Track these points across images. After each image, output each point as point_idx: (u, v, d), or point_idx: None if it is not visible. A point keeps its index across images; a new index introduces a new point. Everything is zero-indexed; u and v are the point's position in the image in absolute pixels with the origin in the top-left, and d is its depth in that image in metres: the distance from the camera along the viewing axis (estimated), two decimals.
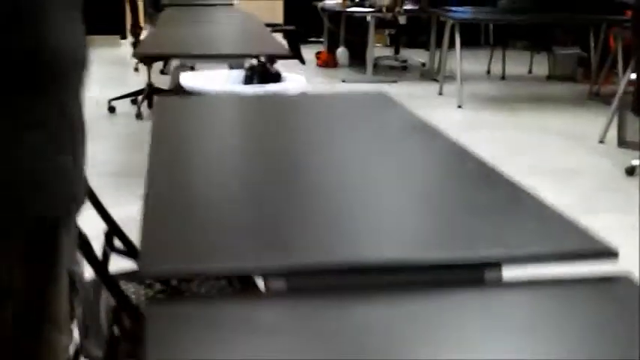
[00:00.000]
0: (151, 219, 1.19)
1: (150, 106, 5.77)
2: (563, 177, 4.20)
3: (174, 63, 3.56)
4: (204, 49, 3.55)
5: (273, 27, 6.02)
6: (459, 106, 6.07)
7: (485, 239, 1.20)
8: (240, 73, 3.15)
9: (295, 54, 5.75)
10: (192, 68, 4.42)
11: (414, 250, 1.16)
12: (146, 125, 5.38)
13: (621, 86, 4.89)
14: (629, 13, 6.19)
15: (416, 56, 8.76)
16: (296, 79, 2.99)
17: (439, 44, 7.22)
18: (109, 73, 7.69)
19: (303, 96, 2.58)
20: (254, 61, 3.36)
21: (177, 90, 3.00)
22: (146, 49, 3.41)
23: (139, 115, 5.51)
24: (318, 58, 8.37)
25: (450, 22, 6.35)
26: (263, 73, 2.91)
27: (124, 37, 10.65)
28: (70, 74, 0.89)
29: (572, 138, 5.07)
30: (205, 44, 3.72)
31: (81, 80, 0.91)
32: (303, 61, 5.80)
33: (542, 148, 4.85)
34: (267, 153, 1.70)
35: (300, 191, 1.41)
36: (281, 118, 2.16)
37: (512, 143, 4.94)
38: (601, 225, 3.54)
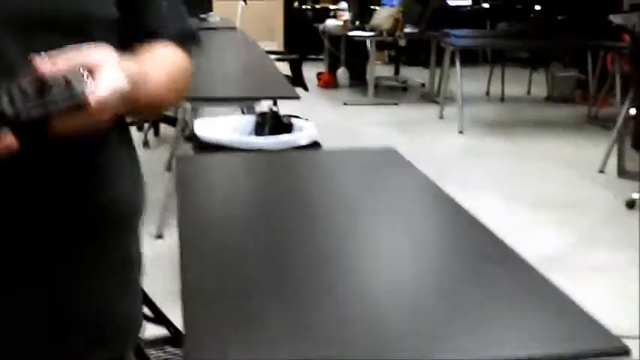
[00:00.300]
0: (191, 310, 1.27)
1: (156, 133, 5.85)
2: (563, 210, 4.27)
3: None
4: (213, 90, 3.63)
5: (277, 55, 6.10)
6: (460, 132, 6.16)
7: (503, 336, 1.28)
8: (251, 120, 3.23)
9: (298, 81, 5.83)
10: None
11: (433, 349, 1.23)
12: (153, 154, 5.47)
13: (620, 117, 4.97)
14: (627, 36, 6.30)
15: (415, 75, 8.85)
16: (307, 127, 3.07)
17: (438, 63, 7.33)
18: None
19: (315, 153, 2.66)
20: (265, 106, 3.44)
21: (191, 137, 3.08)
22: None
23: (145, 144, 5.58)
24: (319, 79, 8.47)
25: (449, 48, 6.44)
26: (275, 122, 2.99)
27: None
28: (132, 220, 0.97)
29: (572, 167, 5.15)
30: (213, 84, 3.80)
31: (140, 221, 0.99)
32: (306, 88, 5.87)
33: (543, 178, 4.93)
34: (288, 225, 1.77)
35: (324, 275, 1.48)
36: (296, 180, 2.22)
37: (513, 173, 5.02)
38: (601, 261, 3.64)
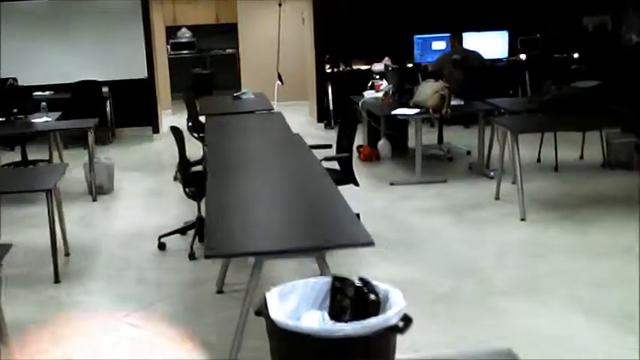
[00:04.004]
0: None
1: (201, 240, 5.54)
2: None
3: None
4: (274, 242, 3.29)
5: (327, 156, 5.79)
6: (522, 219, 5.78)
7: None
8: (323, 285, 2.89)
9: (349, 178, 5.50)
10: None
11: None
12: (200, 269, 5.16)
13: None
14: None
15: (454, 136, 8.54)
16: (396, 298, 2.71)
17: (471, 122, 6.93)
18: (147, 182, 7.50)
19: None
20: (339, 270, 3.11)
21: (261, 313, 2.73)
22: (216, 250, 3.17)
23: (192, 256, 5.26)
24: (359, 152, 8.15)
25: (505, 131, 6.09)
26: (359, 301, 2.64)
27: (156, 131, 10.51)
28: None
29: None
30: (275, 231, 3.47)
31: None
32: (357, 184, 5.54)
33: (624, 282, 4.52)
34: None
35: None
36: None
37: (594, 278, 4.58)
38: None
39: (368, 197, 6.62)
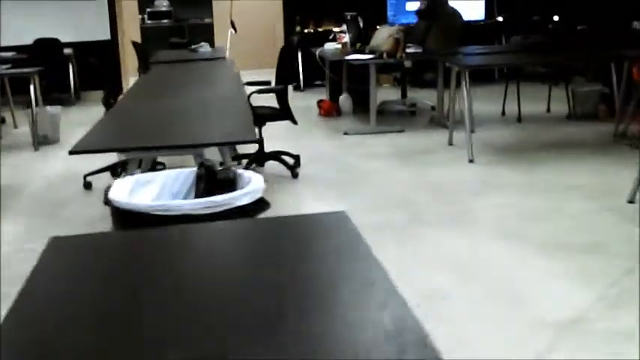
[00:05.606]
0: None
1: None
2: (583, 255, 3.59)
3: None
4: (148, 139, 3.03)
5: (261, 87, 5.52)
6: (471, 161, 5.49)
7: None
8: (189, 178, 2.63)
9: (286, 114, 5.22)
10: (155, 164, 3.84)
11: None
12: None
13: None
14: None
15: (425, 97, 8.21)
16: (254, 182, 2.44)
17: (447, 84, 6.71)
18: None
19: (242, 223, 2.02)
20: (209, 155, 2.87)
21: (107, 202, 2.47)
22: (84, 145, 2.90)
23: None
24: (319, 107, 7.86)
25: (455, 69, 5.80)
26: (211, 179, 2.38)
27: (121, 93, 10.28)
28: None
29: (596, 197, 4.47)
30: (155, 131, 3.21)
31: None
32: (294, 121, 5.26)
33: (560, 213, 4.24)
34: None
35: None
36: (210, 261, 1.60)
37: (527, 211, 4.32)
38: (632, 325, 2.90)
39: (316, 145, 6.34)
